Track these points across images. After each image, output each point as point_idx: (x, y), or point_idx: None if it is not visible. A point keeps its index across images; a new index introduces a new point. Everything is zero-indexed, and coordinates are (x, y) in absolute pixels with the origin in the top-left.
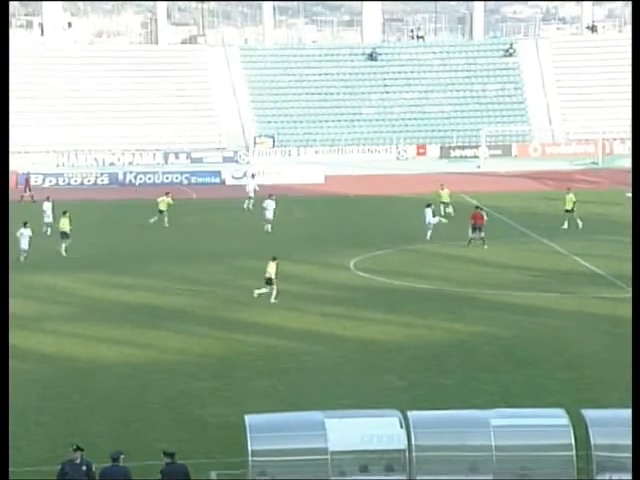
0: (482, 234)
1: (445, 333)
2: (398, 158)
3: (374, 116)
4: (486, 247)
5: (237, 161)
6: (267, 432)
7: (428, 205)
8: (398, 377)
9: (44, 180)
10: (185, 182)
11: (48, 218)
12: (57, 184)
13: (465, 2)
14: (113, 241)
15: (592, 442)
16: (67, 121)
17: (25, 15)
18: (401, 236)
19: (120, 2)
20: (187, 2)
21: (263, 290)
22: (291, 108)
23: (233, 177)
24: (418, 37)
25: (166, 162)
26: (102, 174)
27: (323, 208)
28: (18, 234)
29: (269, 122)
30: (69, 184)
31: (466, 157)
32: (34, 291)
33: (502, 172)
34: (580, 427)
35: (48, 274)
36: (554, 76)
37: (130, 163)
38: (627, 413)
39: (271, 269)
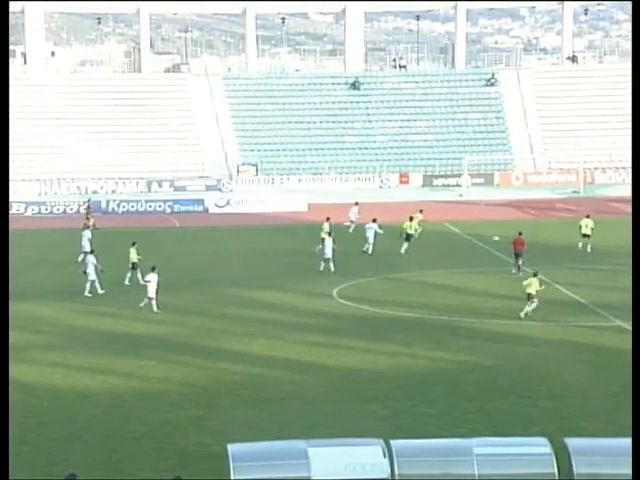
0: (520, 261)
1: (428, 362)
2: (381, 186)
3: (357, 145)
4: (521, 274)
5: (220, 189)
6: (250, 461)
7: (374, 220)
8: (381, 406)
9: (26, 209)
10: (168, 210)
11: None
12: (39, 212)
13: (447, 33)
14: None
15: (575, 471)
16: (50, 149)
17: None
18: (384, 264)
19: (103, 31)
20: (170, 31)
21: (527, 308)
22: (274, 137)
23: (216, 205)
24: (400, 66)
25: (149, 190)
26: (85, 202)
27: (306, 236)
28: (85, 260)
29: (252, 150)
30: (51, 212)
31: (449, 186)
32: (17, 320)
33: (484, 201)
34: (563, 456)
35: (31, 302)
36: (535, 106)
37: (113, 191)
38: (609, 442)
39: (533, 286)
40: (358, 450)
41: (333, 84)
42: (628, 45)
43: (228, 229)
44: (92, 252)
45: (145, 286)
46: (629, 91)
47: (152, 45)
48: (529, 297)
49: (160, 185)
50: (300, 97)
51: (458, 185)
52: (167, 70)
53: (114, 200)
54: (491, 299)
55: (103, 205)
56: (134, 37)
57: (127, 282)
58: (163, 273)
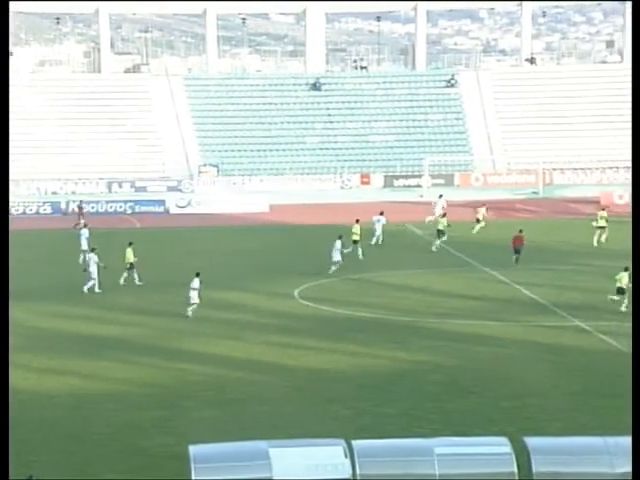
0: (519, 255)
1: (390, 362)
2: (342, 187)
3: (318, 145)
4: (518, 266)
5: (181, 190)
6: (211, 462)
7: (381, 213)
8: (343, 406)
9: None
10: (129, 211)
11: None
12: None
13: (407, 34)
14: (56, 271)
15: (534, 470)
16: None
17: None
18: (346, 265)
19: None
20: (130, 32)
21: (615, 297)
22: (235, 137)
23: (177, 206)
24: (361, 67)
25: (110, 191)
26: (44, 203)
27: (267, 237)
28: (87, 259)
29: (213, 151)
30: (11, 214)
31: (409, 186)
32: None
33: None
34: (523, 455)
35: None
36: (495, 107)
37: (73, 192)
38: (569, 441)
39: (623, 280)
40: (320, 450)
41: (294, 85)
42: (585, 47)
43: (189, 230)
44: (93, 250)
45: (189, 293)
46: (587, 92)
47: (112, 45)
48: (619, 291)
49: (120, 186)
50: (261, 98)
51: (419, 186)
52: (127, 70)
53: (74, 201)
54: (452, 299)
55: (63, 206)
56: (94, 37)
57: (122, 282)
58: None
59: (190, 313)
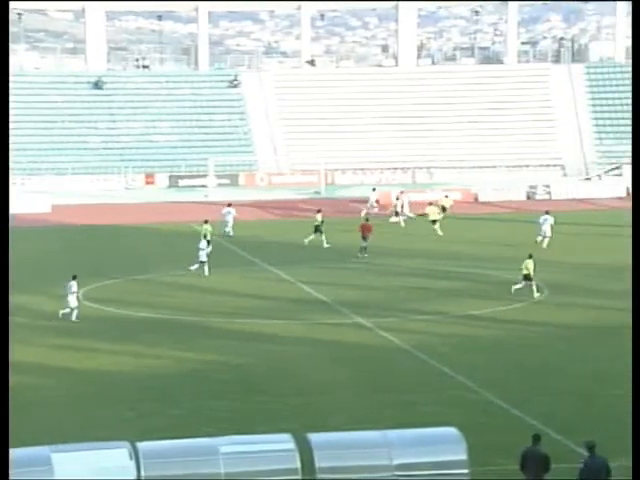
0: (365, 244)
1: (176, 362)
2: (127, 187)
3: (101, 145)
4: (366, 255)
5: None
6: None
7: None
8: (128, 408)
9: None
10: None
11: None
12: None
13: (190, 34)
14: None
15: (317, 465)
16: None
17: None
18: (131, 266)
19: None
20: None
21: (518, 286)
22: (14, 136)
23: None
24: (144, 66)
25: None
26: None
27: (50, 238)
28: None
29: None
30: None
31: (194, 186)
32: None
33: (229, 201)
34: (307, 451)
35: None
36: (277, 108)
37: None
38: (350, 436)
39: (529, 266)
40: (104, 454)
41: (75, 83)
42: (362, 50)
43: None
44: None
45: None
46: (365, 94)
47: None
48: (526, 278)
49: None
50: (41, 96)
51: (204, 186)
52: None
53: None
54: (238, 298)
55: None
56: None
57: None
58: None
59: (74, 318)
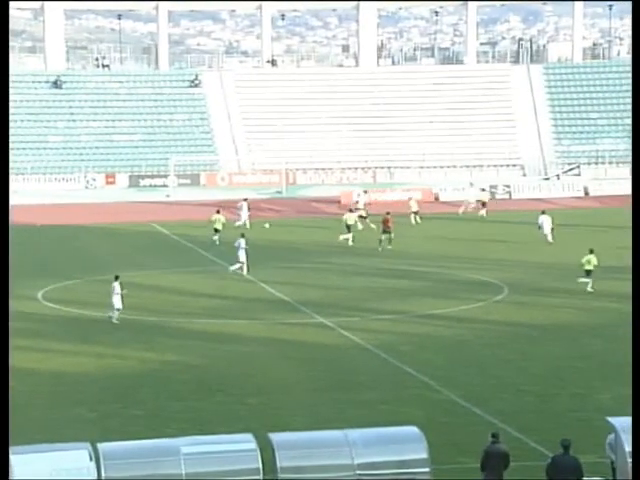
0: (389, 235)
1: (137, 363)
2: (87, 187)
3: (61, 144)
4: (390, 247)
5: None
6: None
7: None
8: (88, 409)
9: None
10: None
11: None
12: None
13: (150, 33)
14: None
15: (278, 465)
16: None
17: None
18: (91, 266)
19: None
20: None
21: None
22: None
23: None
24: (103, 66)
25: None
26: None
27: (11, 238)
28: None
29: None
30: None
31: (155, 186)
32: None
33: (191, 201)
34: (268, 451)
35: None
36: (239, 108)
37: None
38: (311, 435)
39: (592, 260)
40: (64, 455)
41: (34, 82)
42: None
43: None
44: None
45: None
46: (325, 94)
47: None
48: (588, 273)
49: None
50: None
51: (165, 185)
52: None
53: None
54: (199, 298)
55: None
56: None
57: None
58: None
59: (115, 320)
